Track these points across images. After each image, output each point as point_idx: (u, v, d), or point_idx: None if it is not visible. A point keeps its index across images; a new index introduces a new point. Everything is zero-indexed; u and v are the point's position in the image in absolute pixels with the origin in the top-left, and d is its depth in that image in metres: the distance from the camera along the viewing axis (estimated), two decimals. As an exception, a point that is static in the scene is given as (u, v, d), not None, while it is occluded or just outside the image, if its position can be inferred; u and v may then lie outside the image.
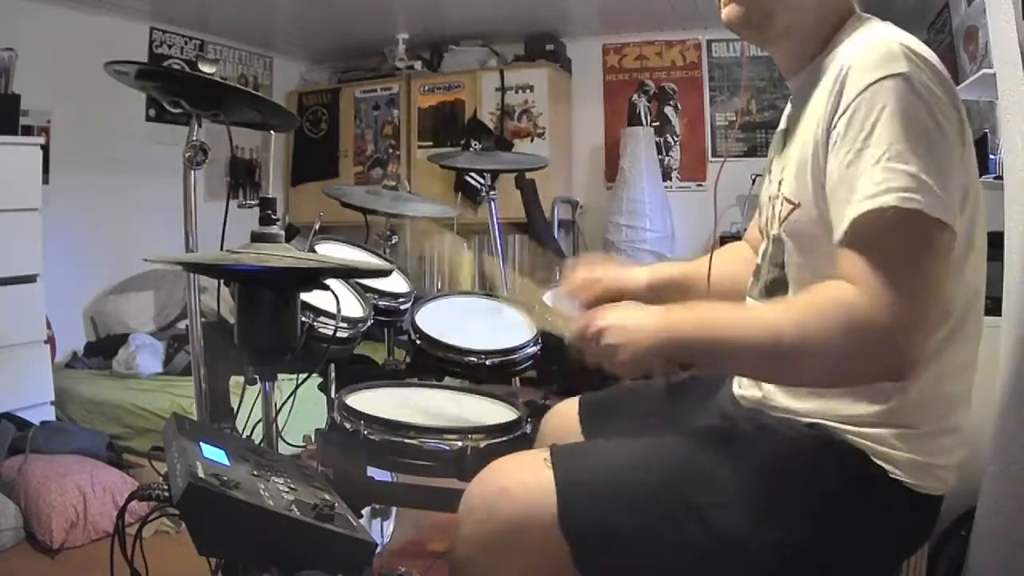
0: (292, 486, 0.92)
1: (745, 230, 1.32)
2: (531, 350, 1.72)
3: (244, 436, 1.38)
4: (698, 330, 0.94)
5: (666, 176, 4.40)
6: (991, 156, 2.16)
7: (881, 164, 0.81)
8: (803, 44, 1.01)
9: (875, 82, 0.83)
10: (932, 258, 0.82)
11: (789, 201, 0.96)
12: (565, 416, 1.27)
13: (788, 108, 1.10)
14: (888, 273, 0.80)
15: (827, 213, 0.89)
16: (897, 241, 0.81)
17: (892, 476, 0.91)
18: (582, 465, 0.99)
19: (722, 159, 4.35)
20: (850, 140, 0.84)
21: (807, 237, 0.94)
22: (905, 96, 0.82)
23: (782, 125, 1.09)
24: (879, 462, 0.91)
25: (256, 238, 1.20)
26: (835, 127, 0.86)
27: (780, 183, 1.00)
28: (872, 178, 0.81)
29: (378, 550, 1.31)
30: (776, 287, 1.02)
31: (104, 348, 3.54)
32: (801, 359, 0.86)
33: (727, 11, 1.01)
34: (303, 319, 1.33)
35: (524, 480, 0.97)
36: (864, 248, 0.83)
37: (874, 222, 0.81)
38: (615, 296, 1.22)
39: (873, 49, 0.86)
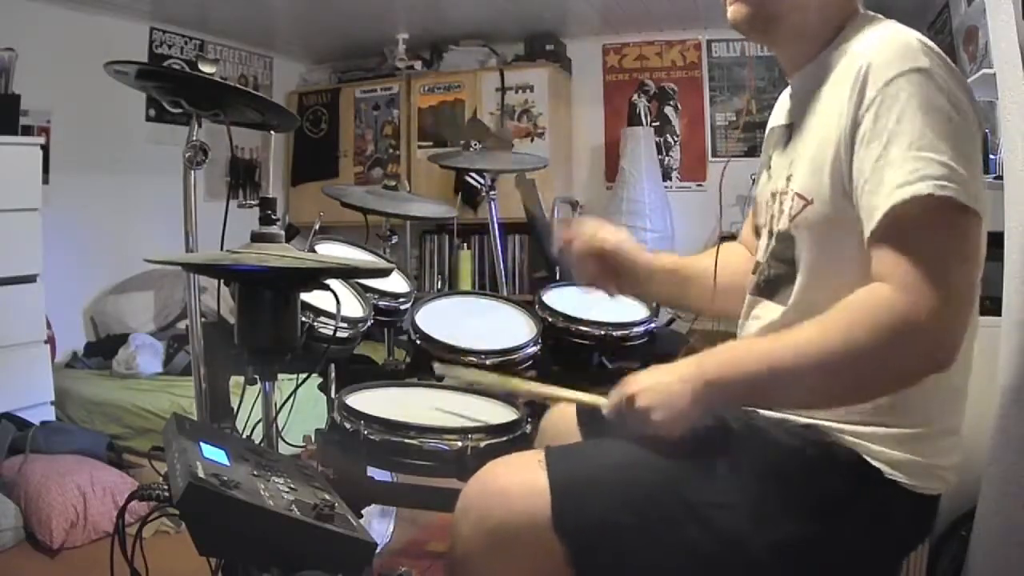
0: (292, 486, 0.92)
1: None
2: (531, 350, 1.72)
3: (244, 436, 1.37)
4: (736, 369, 0.92)
5: (666, 176, 4.40)
6: (991, 156, 2.16)
7: (912, 153, 0.81)
8: (807, 42, 1.01)
9: (898, 76, 0.84)
10: (967, 245, 0.82)
11: (802, 197, 0.95)
12: (564, 417, 1.27)
13: (786, 104, 1.10)
14: (923, 264, 0.80)
15: (844, 210, 0.89)
16: (932, 230, 0.81)
17: (889, 476, 0.91)
18: (576, 466, 0.99)
19: (722, 159, 4.35)
20: (878, 134, 0.84)
21: (820, 233, 0.94)
22: (928, 89, 0.83)
23: (783, 120, 1.08)
24: (875, 462, 0.91)
25: (256, 238, 1.20)
26: (861, 123, 0.86)
27: (789, 179, 0.99)
28: (904, 167, 0.81)
29: (378, 550, 1.31)
30: (778, 283, 1.02)
31: (104, 348, 3.54)
32: (852, 372, 0.84)
33: (732, 11, 1.01)
34: (303, 319, 1.33)
35: (519, 482, 0.97)
36: (898, 241, 0.82)
37: (908, 212, 0.81)
38: (611, 259, 1.22)
39: (891, 44, 0.87)
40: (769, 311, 1.03)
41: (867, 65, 0.87)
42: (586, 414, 1.24)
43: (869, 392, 0.89)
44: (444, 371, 1.39)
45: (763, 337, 0.98)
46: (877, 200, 0.83)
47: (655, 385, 0.95)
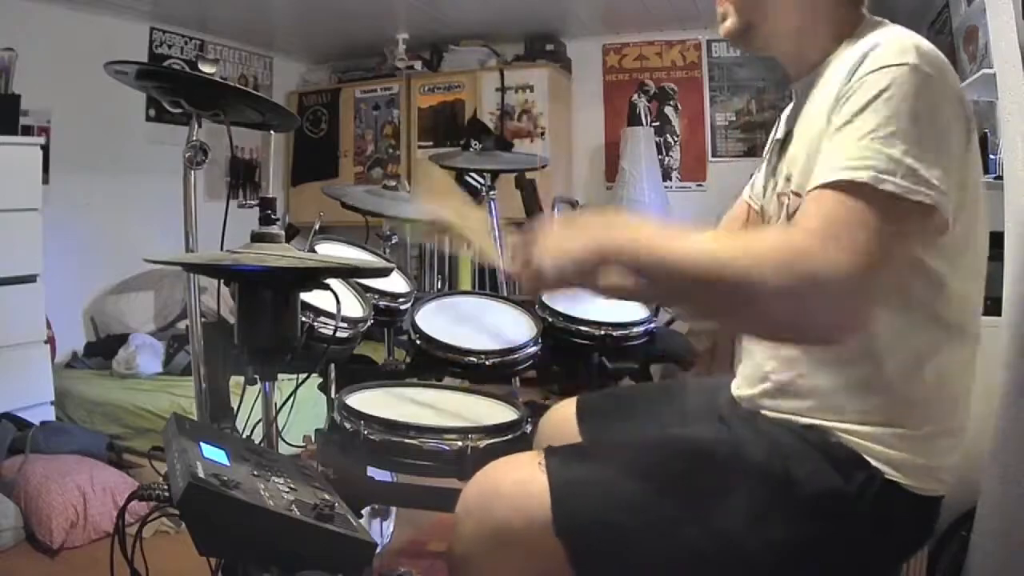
0: (292, 486, 0.92)
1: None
2: (531, 350, 1.72)
3: (244, 436, 1.37)
4: (634, 242, 0.87)
5: (666, 176, 4.40)
6: (991, 156, 2.16)
7: (866, 140, 0.81)
8: (807, 51, 1.02)
9: (882, 68, 0.84)
10: (895, 236, 0.80)
11: (797, 195, 0.95)
12: (563, 417, 1.27)
13: (788, 112, 1.10)
14: (846, 234, 0.78)
15: None
16: (863, 212, 0.80)
17: (890, 478, 0.91)
18: (576, 467, 0.99)
19: (722, 159, 4.35)
20: (845, 112, 0.84)
21: None
22: (907, 83, 0.82)
23: (786, 127, 1.09)
24: (877, 464, 0.91)
25: (256, 238, 1.20)
26: (837, 103, 0.87)
27: (788, 178, 1.00)
28: (854, 150, 0.81)
29: (378, 550, 1.31)
30: None
31: (104, 348, 3.54)
32: (739, 291, 0.81)
33: (722, 27, 1.06)
34: (303, 319, 1.33)
35: (519, 482, 0.97)
36: (829, 203, 0.81)
37: (846, 190, 0.80)
38: None
39: (888, 44, 0.87)
40: None
41: (859, 61, 0.87)
42: (586, 412, 1.24)
43: (753, 324, 0.88)
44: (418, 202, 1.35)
45: (681, 230, 0.91)
46: (823, 170, 0.83)
47: (555, 233, 0.91)
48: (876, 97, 0.82)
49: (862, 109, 0.83)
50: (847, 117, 0.84)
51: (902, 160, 0.79)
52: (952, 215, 0.83)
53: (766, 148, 1.18)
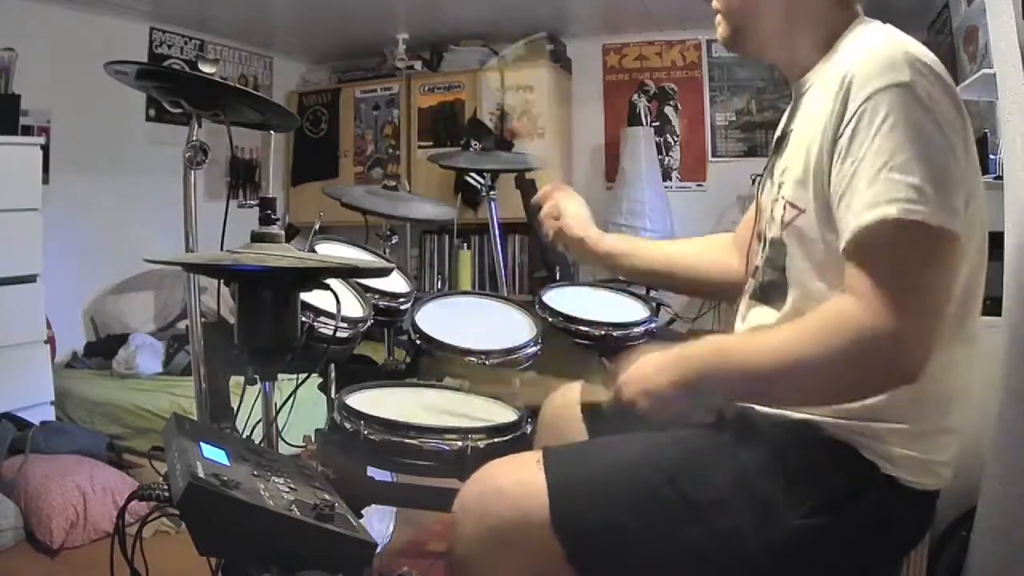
0: (292, 486, 0.92)
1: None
2: (531, 350, 1.72)
3: (244, 436, 1.37)
4: (709, 361, 0.96)
5: (666, 176, 4.40)
6: (991, 156, 2.16)
7: (883, 175, 0.82)
8: (793, 54, 1.03)
9: (878, 91, 0.84)
10: (934, 267, 0.83)
11: (793, 206, 0.96)
12: (565, 401, 1.27)
13: (787, 112, 1.11)
14: (889, 285, 0.82)
15: (828, 220, 0.90)
16: (899, 252, 0.82)
17: (888, 472, 0.91)
18: (574, 467, 1.00)
19: (722, 159, 4.35)
20: (854, 150, 0.85)
21: (809, 242, 0.95)
22: (908, 106, 0.83)
23: (782, 128, 1.09)
24: (872, 458, 0.92)
25: (256, 238, 1.20)
26: (841, 136, 0.87)
27: (781, 186, 1.00)
28: (874, 188, 0.82)
29: (378, 550, 1.31)
30: (771, 289, 1.02)
31: (104, 348, 3.54)
32: (813, 378, 0.87)
33: (719, 32, 1.09)
34: (303, 319, 1.33)
35: (517, 481, 0.98)
36: (866, 259, 0.84)
37: (876, 233, 0.82)
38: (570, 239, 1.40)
39: (877, 56, 0.87)
40: (761, 316, 1.04)
41: (850, 77, 0.87)
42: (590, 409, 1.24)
43: (835, 398, 0.91)
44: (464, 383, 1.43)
45: (743, 335, 1.03)
46: (848, 217, 0.85)
47: (639, 376, 1.00)
48: (879, 128, 0.83)
49: (870, 144, 0.83)
50: (857, 156, 0.84)
51: (921, 186, 0.81)
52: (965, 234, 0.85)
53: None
